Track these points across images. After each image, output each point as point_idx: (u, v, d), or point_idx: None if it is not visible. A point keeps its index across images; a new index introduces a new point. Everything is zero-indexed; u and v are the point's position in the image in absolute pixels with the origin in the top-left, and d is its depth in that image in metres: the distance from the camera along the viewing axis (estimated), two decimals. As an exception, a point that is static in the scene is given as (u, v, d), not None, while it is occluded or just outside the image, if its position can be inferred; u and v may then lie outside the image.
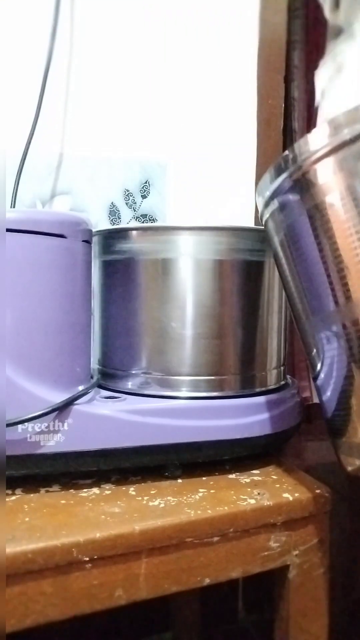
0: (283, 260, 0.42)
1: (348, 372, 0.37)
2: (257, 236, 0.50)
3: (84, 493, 0.45)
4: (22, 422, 0.42)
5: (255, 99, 0.83)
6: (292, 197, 0.38)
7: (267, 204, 0.42)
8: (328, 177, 0.35)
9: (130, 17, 0.75)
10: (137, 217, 0.77)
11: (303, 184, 0.37)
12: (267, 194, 0.41)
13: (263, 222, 0.44)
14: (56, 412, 0.43)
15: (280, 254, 0.42)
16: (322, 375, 0.41)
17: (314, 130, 0.35)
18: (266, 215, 0.43)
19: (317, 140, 0.35)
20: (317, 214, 0.36)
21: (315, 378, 0.42)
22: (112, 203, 0.75)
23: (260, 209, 0.44)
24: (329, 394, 0.40)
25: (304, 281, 0.40)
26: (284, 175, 0.38)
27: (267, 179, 0.41)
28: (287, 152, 0.38)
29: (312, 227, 0.37)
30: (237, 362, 0.49)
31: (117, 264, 0.50)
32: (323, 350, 0.39)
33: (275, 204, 0.41)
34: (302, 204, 0.37)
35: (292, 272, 0.41)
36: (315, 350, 0.40)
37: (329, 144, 0.35)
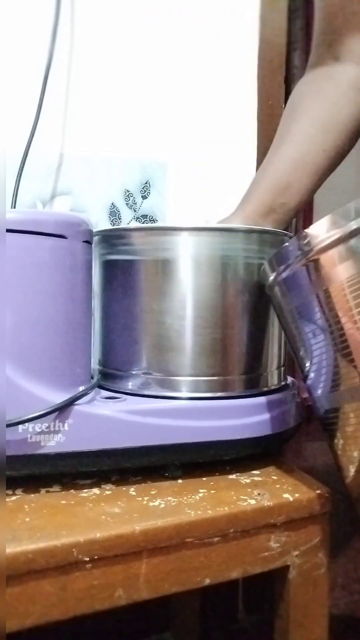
0: (291, 326, 0.44)
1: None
2: (258, 237, 0.50)
3: (85, 493, 0.45)
4: (22, 422, 0.42)
5: (255, 100, 0.83)
6: (301, 280, 0.41)
7: (275, 280, 0.44)
8: (335, 265, 0.38)
9: (130, 17, 0.75)
10: (137, 218, 0.77)
11: (310, 269, 0.39)
12: (273, 275, 0.44)
13: (268, 287, 0.46)
14: (56, 413, 0.43)
15: (289, 321, 0.44)
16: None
17: (322, 220, 0.38)
18: (274, 287, 0.45)
19: (323, 229, 0.38)
20: (324, 298, 0.39)
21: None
22: (112, 203, 0.75)
23: (268, 280, 0.46)
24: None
25: (312, 354, 0.42)
26: (291, 259, 0.41)
27: (273, 260, 0.44)
28: (296, 236, 0.40)
29: (320, 309, 0.39)
30: (237, 362, 0.49)
31: (118, 264, 0.50)
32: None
33: (282, 283, 0.43)
34: (310, 287, 0.40)
35: (301, 340, 0.43)
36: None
37: (335, 234, 0.37)
